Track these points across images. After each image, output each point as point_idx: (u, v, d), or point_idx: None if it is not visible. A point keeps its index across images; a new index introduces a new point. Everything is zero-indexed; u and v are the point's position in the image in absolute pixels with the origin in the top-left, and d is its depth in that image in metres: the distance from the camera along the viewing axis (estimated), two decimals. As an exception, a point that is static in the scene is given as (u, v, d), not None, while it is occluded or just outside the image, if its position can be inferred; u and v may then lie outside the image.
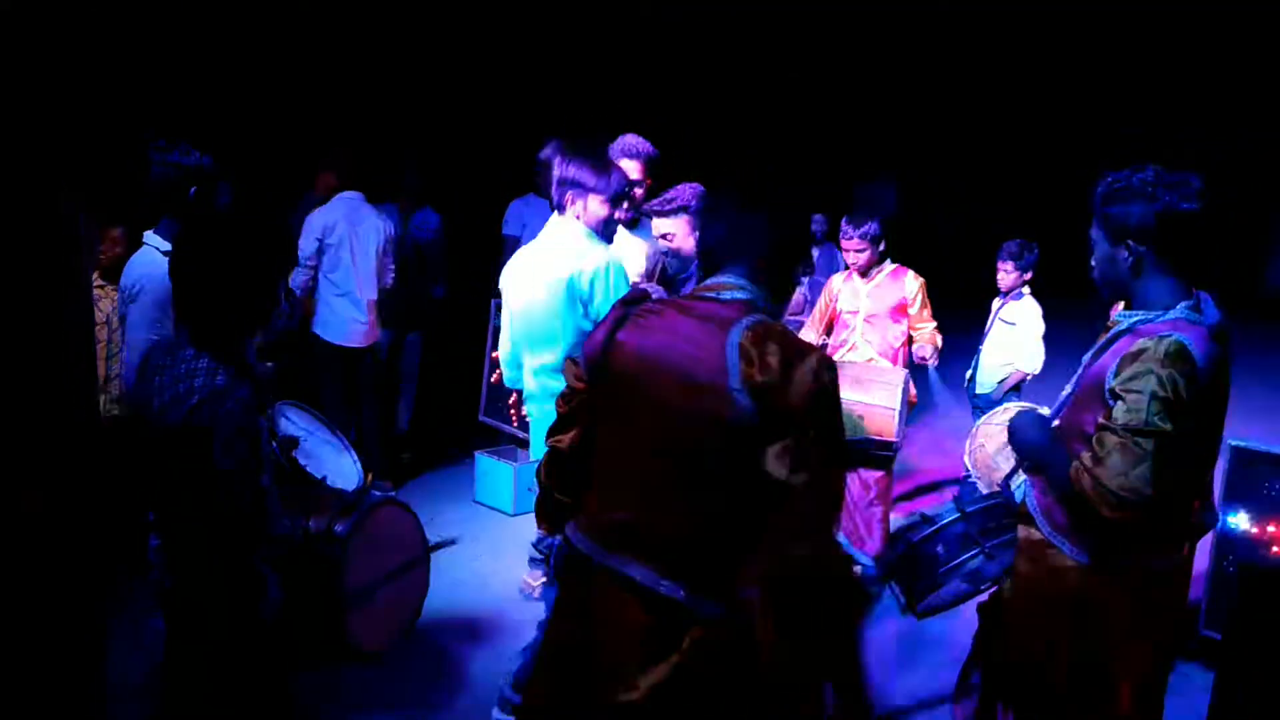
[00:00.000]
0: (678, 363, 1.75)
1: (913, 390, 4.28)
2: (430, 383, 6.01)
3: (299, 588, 3.15)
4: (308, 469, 3.15)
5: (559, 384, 3.05)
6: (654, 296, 2.00)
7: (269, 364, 3.81)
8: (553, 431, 2.06)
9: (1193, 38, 10.20)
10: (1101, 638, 2.10)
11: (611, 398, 1.87)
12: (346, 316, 4.87)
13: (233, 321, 2.12)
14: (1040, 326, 4.77)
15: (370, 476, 4.59)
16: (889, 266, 4.47)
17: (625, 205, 3.47)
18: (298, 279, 4.81)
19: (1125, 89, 11.64)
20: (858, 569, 3.96)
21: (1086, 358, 2.22)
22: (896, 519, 4.58)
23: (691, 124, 8.42)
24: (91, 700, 1.98)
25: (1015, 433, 2.23)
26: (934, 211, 13.59)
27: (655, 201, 3.51)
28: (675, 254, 3.49)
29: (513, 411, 5.09)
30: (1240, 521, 3.64)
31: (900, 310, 4.41)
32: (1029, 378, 4.81)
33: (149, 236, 3.17)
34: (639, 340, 1.82)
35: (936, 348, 4.42)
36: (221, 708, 2.15)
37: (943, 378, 4.85)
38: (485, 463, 5.19)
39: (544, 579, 4.01)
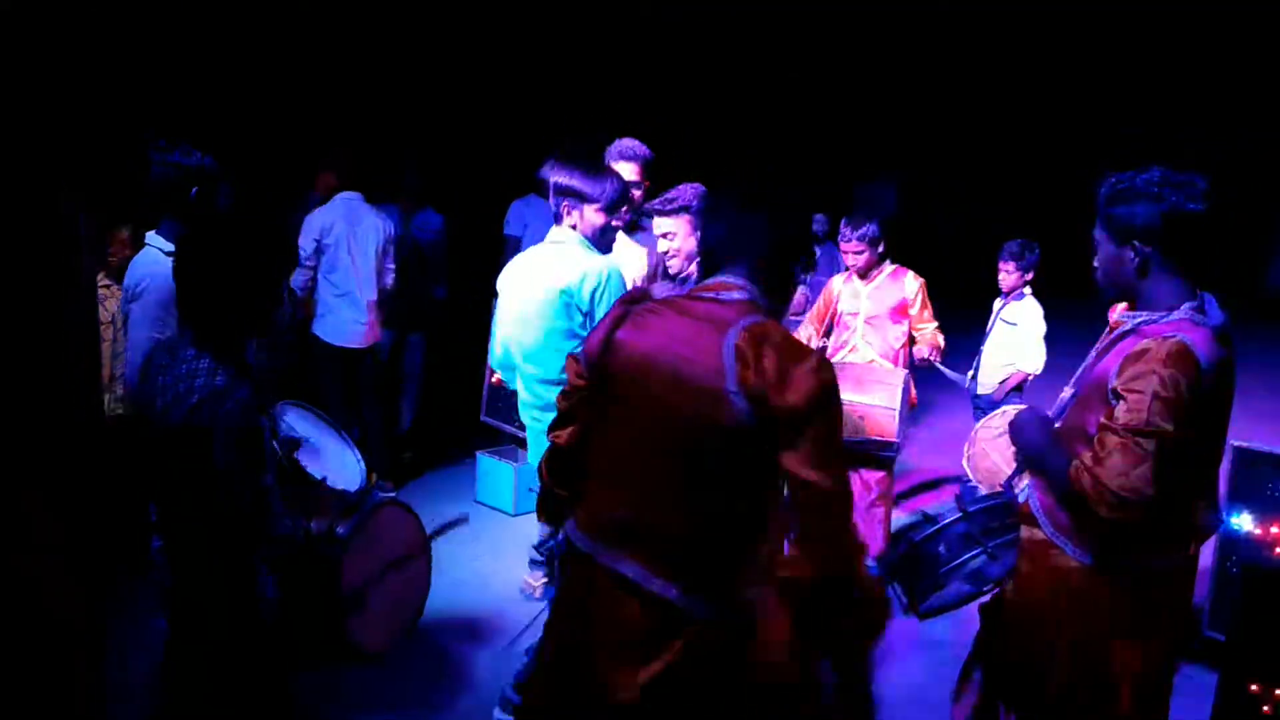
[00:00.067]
0: (674, 363, 1.76)
1: (913, 391, 4.28)
2: (431, 383, 6.01)
3: (301, 588, 3.17)
4: (310, 470, 3.16)
5: (551, 394, 3.06)
6: (655, 295, 2.01)
7: (271, 364, 3.81)
8: (553, 427, 2.06)
9: (1193, 38, 10.20)
10: (1104, 638, 2.10)
11: (610, 396, 1.87)
12: (346, 317, 4.86)
13: (234, 321, 2.12)
14: (1042, 327, 4.77)
15: (374, 477, 4.59)
16: (889, 267, 4.47)
17: (624, 209, 3.47)
18: (297, 279, 4.80)
19: (1125, 89, 11.64)
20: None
21: (1089, 358, 2.22)
22: (898, 518, 4.58)
23: (691, 124, 8.42)
24: (92, 700, 1.97)
25: (1016, 431, 2.23)
26: (934, 211, 13.59)
27: (656, 201, 3.51)
28: (676, 254, 3.49)
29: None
30: (1244, 523, 3.63)
31: (900, 311, 4.41)
32: (1030, 378, 4.80)
33: (151, 237, 3.17)
34: (638, 339, 1.82)
35: (938, 348, 4.41)
36: (221, 707, 2.15)
37: (940, 378, 4.84)
38: (486, 463, 5.19)
39: (544, 579, 4.03)
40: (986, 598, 2.42)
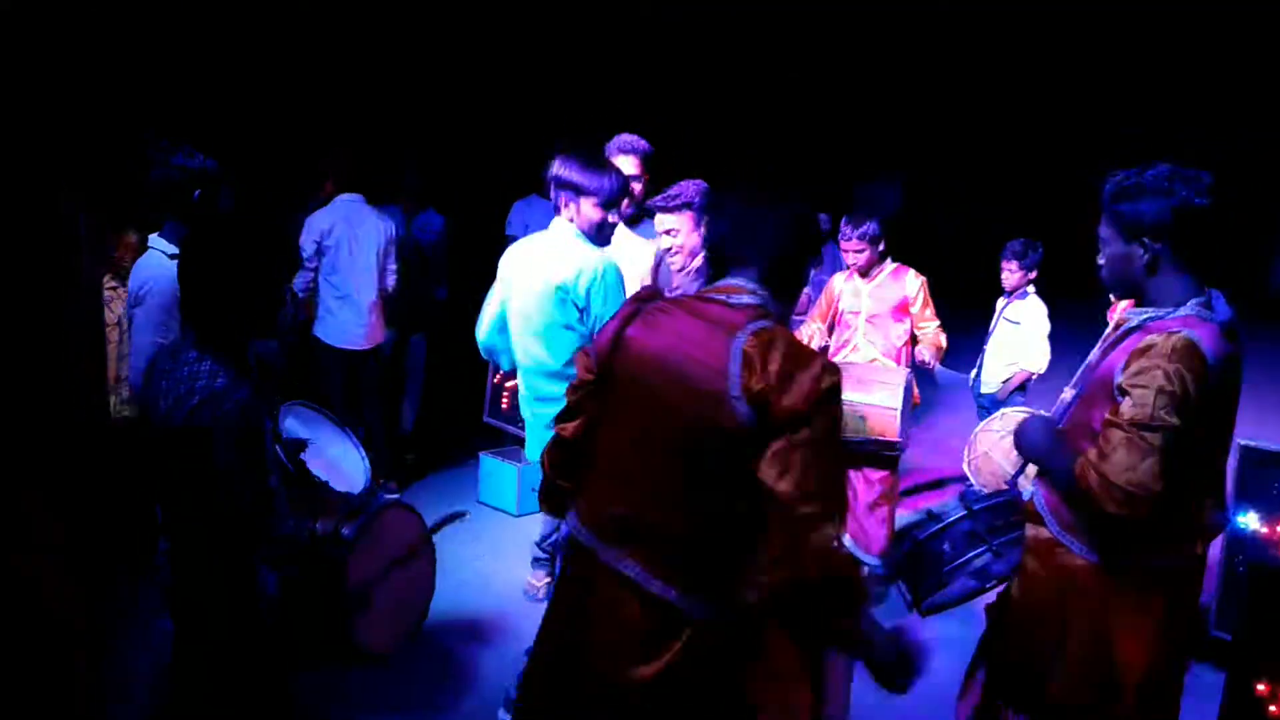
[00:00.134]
0: (681, 364, 1.75)
1: (916, 390, 4.28)
2: (434, 384, 6.01)
3: (306, 589, 3.17)
4: (315, 471, 3.16)
5: (548, 387, 3.08)
6: (666, 294, 2.00)
7: (276, 365, 3.81)
8: (559, 419, 2.06)
9: (1193, 38, 10.20)
10: (1110, 637, 2.09)
11: (616, 392, 1.87)
12: (347, 319, 4.85)
13: (234, 322, 2.12)
14: (1045, 326, 4.76)
15: (380, 481, 4.59)
16: (890, 266, 4.46)
17: (625, 202, 3.47)
18: (298, 281, 4.80)
19: (1125, 89, 11.64)
20: (864, 569, 3.95)
21: (1093, 356, 2.21)
22: (903, 516, 4.58)
23: (691, 124, 8.42)
24: (92, 700, 1.97)
25: (1021, 436, 2.22)
26: (934, 211, 13.59)
27: (658, 198, 3.51)
28: (679, 251, 3.49)
29: (505, 398, 5.07)
30: (1250, 521, 3.63)
31: (902, 309, 4.40)
32: (1034, 377, 4.79)
33: (154, 240, 3.18)
34: (646, 338, 1.83)
35: (940, 348, 4.40)
36: (221, 708, 2.15)
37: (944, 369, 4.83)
38: (489, 463, 5.19)
39: (547, 579, 4.03)
40: (991, 594, 2.42)
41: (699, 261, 3.49)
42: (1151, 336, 1.97)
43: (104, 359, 3.44)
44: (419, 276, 5.59)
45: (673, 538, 1.78)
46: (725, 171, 3.62)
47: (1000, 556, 2.28)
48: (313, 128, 6.25)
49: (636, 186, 3.56)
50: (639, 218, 3.68)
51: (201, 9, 5.88)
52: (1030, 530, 2.22)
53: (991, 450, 3.64)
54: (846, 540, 4.09)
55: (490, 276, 3.30)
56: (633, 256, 3.58)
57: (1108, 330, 3.85)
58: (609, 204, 2.95)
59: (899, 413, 3.82)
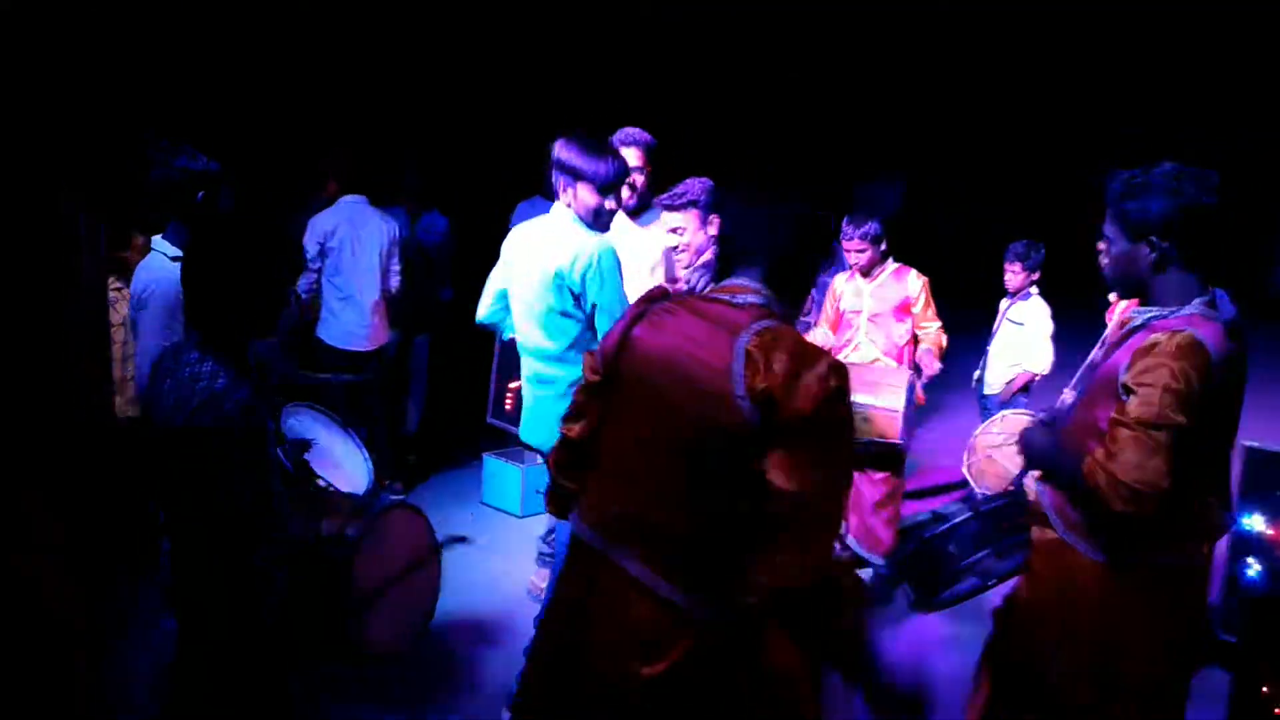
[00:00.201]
0: (685, 364, 1.76)
1: (920, 391, 4.27)
2: (438, 385, 6.00)
3: (311, 590, 3.17)
4: (319, 471, 3.16)
5: (547, 370, 3.08)
6: (672, 292, 2.01)
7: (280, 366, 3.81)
8: (565, 420, 2.06)
9: (1193, 38, 10.20)
10: (1116, 637, 2.08)
11: (621, 392, 1.88)
12: (350, 320, 4.85)
13: (234, 322, 2.12)
14: (1049, 326, 4.74)
15: (384, 482, 4.59)
16: (891, 266, 4.46)
17: (628, 194, 3.47)
18: (301, 282, 4.80)
19: (1125, 89, 11.64)
20: (868, 570, 3.94)
21: (1096, 356, 2.20)
22: (907, 517, 4.58)
23: (691, 124, 8.42)
24: (92, 700, 1.98)
25: (1027, 445, 2.21)
26: (934, 211, 13.59)
27: (665, 196, 3.51)
28: (685, 249, 3.49)
29: (509, 399, 5.08)
30: (1255, 523, 3.61)
31: (904, 309, 4.40)
32: (1037, 378, 4.78)
33: (157, 242, 3.18)
34: (652, 338, 1.83)
35: (941, 348, 4.39)
36: (221, 708, 2.15)
37: (946, 378, 4.82)
38: (493, 465, 5.19)
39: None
40: (997, 597, 2.40)
41: (707, 258, 3.49)
42: (1156, 335, 1.96)
43: (108, 359, 3.44)
44: (423, 278, 5.59)
45: (676, 538, 1.78)
46: (725, 171, 3.62)
47: (1005, 557, 2.28)
48: (314, 128, 6.26)
49: (639, 178, 3.56)
50: (642, 209, 3.68)
51: (202, 9, 5.88)
52: (1036, 531, 2.21)
53: (994, 453, 3.63)
54: (850, 540, 4.09)
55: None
56: (635, 248, 3.57)
57: (1109, 330, 3.83)
58: (606, 189, 2.93)
59: (902, 414, 3.81)
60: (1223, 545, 3.48)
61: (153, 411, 2.13)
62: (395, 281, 4.95)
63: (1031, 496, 2.25)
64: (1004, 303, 4.93)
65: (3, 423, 1.78)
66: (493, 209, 6.04)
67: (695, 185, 3.45)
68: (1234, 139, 11.51)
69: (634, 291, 3.31)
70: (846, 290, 4.52)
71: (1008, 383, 4.81)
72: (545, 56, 7.65)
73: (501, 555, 4.56)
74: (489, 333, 5.39)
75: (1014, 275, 4.82)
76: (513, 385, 4.75)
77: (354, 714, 3.27)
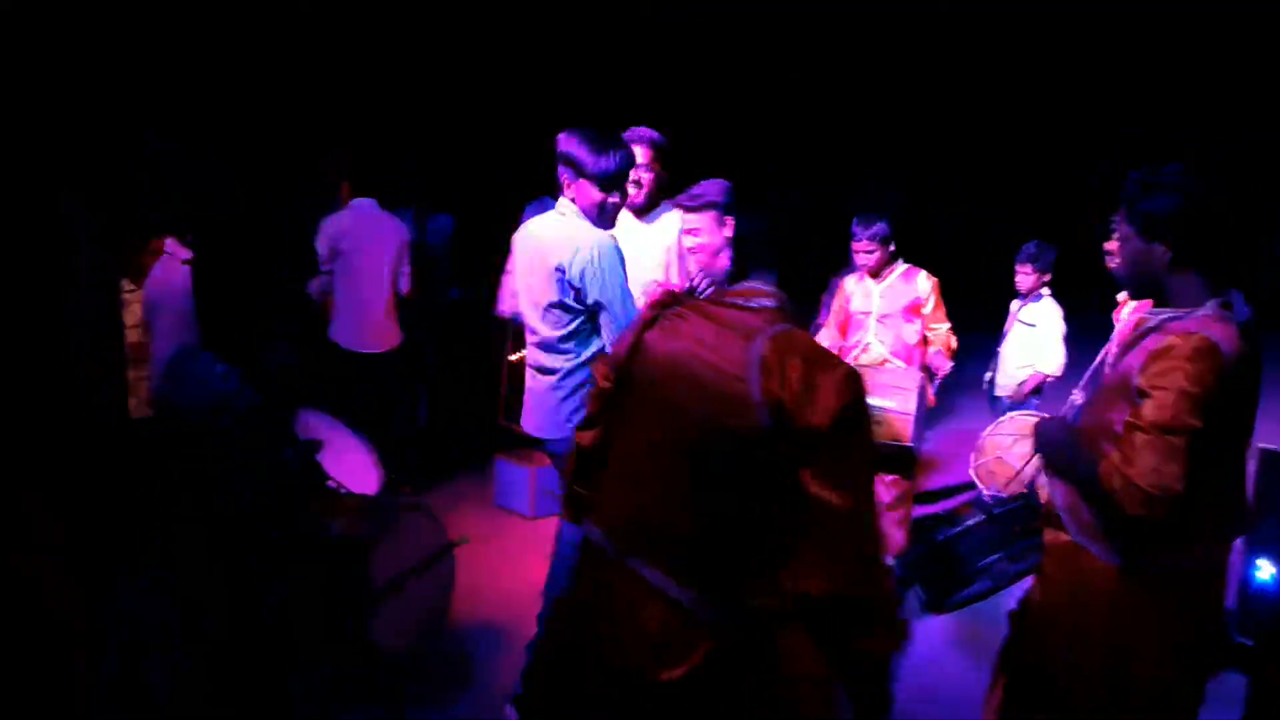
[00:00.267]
0: (699, 370, 1.74)
1: (931, 393, 4.27)
2: (448, 387, 6.00)
3: (322, 591, 3.17)
4: (330, 473, 3.16)
5: (547, 360, 3.09)
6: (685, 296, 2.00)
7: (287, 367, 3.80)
8: (580, 427, 2.06)
9: (1193, 38, 10.20)
10: (1129, 640, 2.06)
11: (633, 397, 1.87)
12: (361, 322, 4.87)
13: (238, 324, 2.13)
14: (1061, 327, 4.72)
15: (395, 484, 4.59)
16: (900, 267, 4.46)
17: (634, 190, 3.46)
18: (313, 284, 4.82)
19: (1125, 89, 11.64)
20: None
21: (1105, 356, 2.19)
22: (919, 518, 4.58)
23: (691, 124, 8.42)
24: (92, 700, 1.98)
25: (1041, 437, 2.20)
26: (934, 211, 13.59)
27: (682, 196, 3.50)
28: (701, 250, 3.48)
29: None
30: (1271, 526, 3.59)
31: (913, 310, 4.40)
32: (1049, 380, 4.77)
33: (170, 245, 3.20)
34: (664, 344, 1.82)
35: (951, 349, 4.39)
36: (221, 707, 2.15)
37: (955, 380, 4.81)
38: (504, 466, 5.20)
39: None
40: (1013, 600, 2.39)
41: (724, 261, 3.48)
42: (1171, 338, 1.94)
43: (120, 360, 3.45)
44: (431, 279, 5.60)
45: (687, 541, 1.77)
46: (725, 171, 3.61)
47: (1018, 560, 2.26)
48: (316, 128, 6.26)
49: (645, 175, 3.54)
50: (649, 208, 3.67)
51: (202, 9, 5.88)
52: (1049, 534, 2.19)
53: (1004, 454, 3.60)
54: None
55: (500, 278, 3.30)
56: (640, 246, 3.57)
57: (1119, 329, 3.79)
58: (608, 184, 2.92)
59: (913, 417, 3.80)
60: (1239, 548, 3.47)
61: (165, 411, 2.14)
62: (406, 283, 4.98)
63: (1044, 499, 2.24)
64: (1015, 304, 4.91)
65: (3, 423, 1.78)
66: (499, 210, 6.04)
67: (713, 186, 3.44)
68: (1234, 139, 11.52)
69: (638, 290, 3.31)
70: (856, 291, 4.51)
71: (1019, 384, 4.79)
72: (552, 58, 7.65)
73: (512, 556, 4.57)
74: (497, 334, 5.42)
75: (1025, 276, 4.80)
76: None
77: (364, 715, 3.27)
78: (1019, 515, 2.31)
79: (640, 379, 1.85)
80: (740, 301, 1.80)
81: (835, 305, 4.64)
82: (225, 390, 2.02)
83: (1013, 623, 2.36)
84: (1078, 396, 2.23)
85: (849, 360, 4.26)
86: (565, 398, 3.02)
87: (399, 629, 3.46)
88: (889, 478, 4.13)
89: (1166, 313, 2.05)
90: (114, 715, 2.12)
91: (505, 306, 3.37)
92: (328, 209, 4.99)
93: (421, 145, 6.39)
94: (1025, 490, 2.37)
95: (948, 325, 4.43)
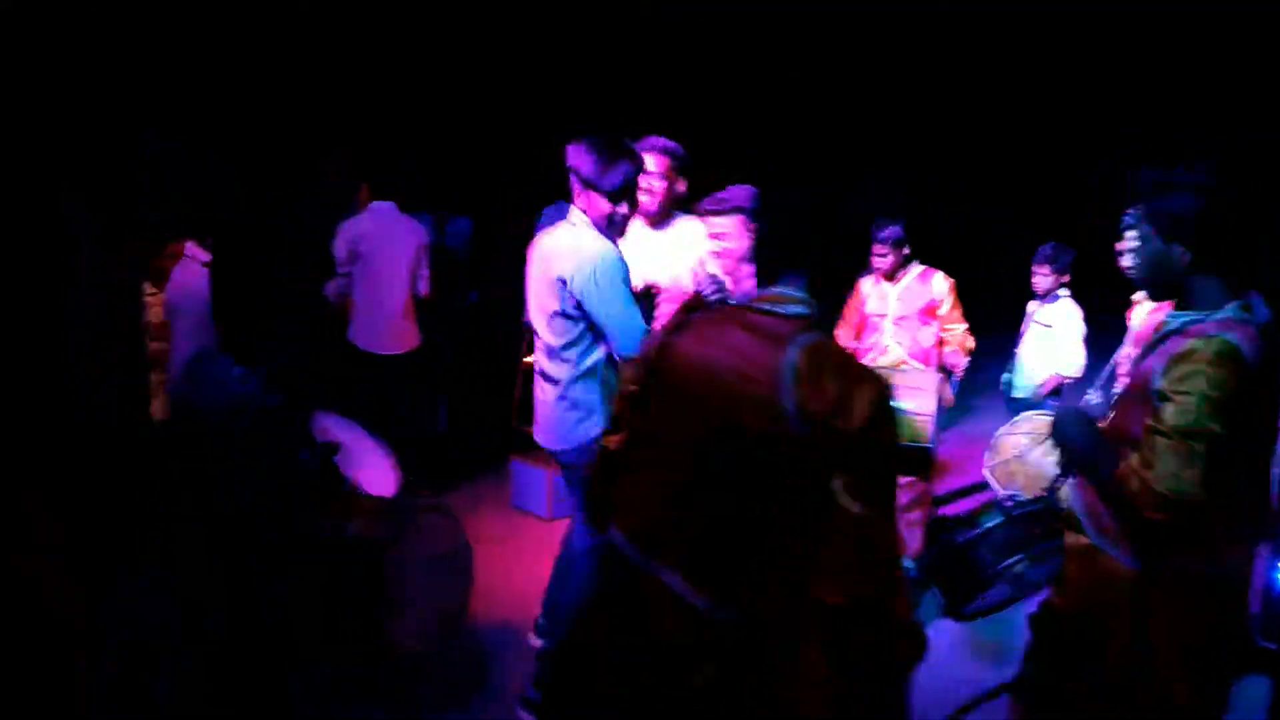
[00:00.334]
0: (727, 376, 1.73)
1: (948, 392, 4.26)
2: (465, 389, 6.00)
3: (340, 592, 3.18)
4: (347, 474, 3.16)
5: (551, 367, 3.10)
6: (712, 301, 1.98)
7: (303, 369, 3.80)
8: (606, 431, 2.05)
9: (1193, 37, 10.21)
10: (1151, 644, 2.04)
11: (660, 401, 1.85)
12: (379, 324, 4.88)
13: (245, 327, 2.14)
14: (1080, 329, 4.71)
15: (413, 485, 4.59)
16: (916, 268, 4.45)
17: (647, 199, 3.46)
18: (332, 286, 4.84)
19: (1125, 89, 11.65)
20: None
21: (1126, 359, 2.17)
22: (936, 520, 4.56)
23: (690, 123, 8.42)
24: (92, 700, 1.98)
25: (1058, 428, 2.17)
26: (934, 211, 13.60)
27: (708, 200, 3.50)
28: (727, 255, 3.47)
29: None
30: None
31: (929, 312, 4.40)
32: (1068, 381, 4.76)
33: (190, 248, 3.21)
34: (693, 349, 1.80)
35: (968, 351, 4.40)
36: (221, 707, 2.15)
37: (971, 381, 4.80)
38: (521, 468, 5.21)
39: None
40: (1032, 603, 2.37)
41: (748, 267, 3.47)
42: (1192, 341, 1.92)
43: (134, 361, 3.47)
44: (449, 282, 5.61)
45: (710, 549, 1.76)
46: (725, 171, 3.61)
47: (1037, 563, 2.24)
48: (317, 129, 6.26)
49: (658, 184, 3.54)
50: (663, 218, 3.65)
51: (202, 9, 5.88)
52: (1069, 537, 2.18)
53: (1023, 453, 3.56)
54: (905, 564, 4.08)
55: (519, 282, 3.30)
56: (654, 255, 3.57)
57: (1135, 331, 3.75)
58: (616, 195, 2.94)
59: (931, 418, 3.79)
60: (1264, 552, 3.45)
61: (183, 412, 2.14)
62: (424, 286, 5.00)
63: (1064, 503, 2.22)
64: (1032, 305, 4.90)
65: (3, 423, 1.78)
66: (517, 214, 6.05)
67: (740, 192, 3.44)
68: (1234, 139, 11.53)
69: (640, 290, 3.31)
70: (872, 294, 4.50)
71: (1038, 386, 4.78)
72: (558, 59, 7.66)
73: (528, 557, 4.57)
74: (514, 337, 5.43)
75: (1043, 278, 4.79)
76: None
77: (380, 715, 3.27)
78: (1038, 517, 2.28)
79: (667, 383, 1.83)
80: (770, 307, 1.78)
81: (850, 307, 4.63)
82: (243, 393, 2.03)
83: (1033, 626, 2.34)
84: (1094, 397, 2.22)
85: (866, 363, 4.25)
86: (569, 409, 3.05)
87: (417, 630, 3.46)
88: (905, 480, 4.11)
89: (1186, 315, 2.02)
90: (114, 715, 2.12)
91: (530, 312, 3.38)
92: (329, 210, 5.00)
93: (441, 149, 6.40)
94: (1044, 492, 2.35)
95: (964, 326, 4.42)
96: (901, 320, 4.40)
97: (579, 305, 2.93)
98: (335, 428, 3.47)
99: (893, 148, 12.58)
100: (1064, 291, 4.79)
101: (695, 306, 1.91)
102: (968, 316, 4.50)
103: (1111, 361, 3.96)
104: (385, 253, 4.82)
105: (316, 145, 5.39)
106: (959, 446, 6.09)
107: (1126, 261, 3.95)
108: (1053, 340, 4.74)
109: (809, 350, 1.68)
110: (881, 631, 1.68)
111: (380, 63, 6.65)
